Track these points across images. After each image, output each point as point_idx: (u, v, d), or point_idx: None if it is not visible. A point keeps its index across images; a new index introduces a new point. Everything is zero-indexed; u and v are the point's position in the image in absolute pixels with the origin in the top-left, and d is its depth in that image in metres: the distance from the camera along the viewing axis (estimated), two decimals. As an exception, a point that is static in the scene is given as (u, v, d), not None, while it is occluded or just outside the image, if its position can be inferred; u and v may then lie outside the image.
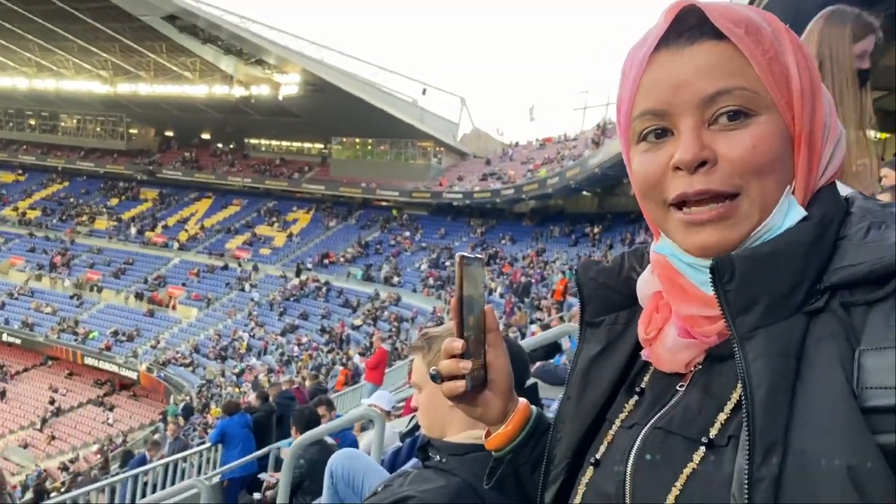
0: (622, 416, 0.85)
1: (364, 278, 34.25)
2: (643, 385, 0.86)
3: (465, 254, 0.95)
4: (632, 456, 0.79)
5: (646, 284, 0.87)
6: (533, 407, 1.05)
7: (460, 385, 0.94)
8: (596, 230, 30.90)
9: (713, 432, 0.72)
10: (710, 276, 0.73)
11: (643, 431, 0.80)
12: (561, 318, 12.05)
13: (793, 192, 0.76)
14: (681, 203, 0.76)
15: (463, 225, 36.92)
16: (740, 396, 0.70)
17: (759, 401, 0.66)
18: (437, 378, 0.94)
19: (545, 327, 10.77)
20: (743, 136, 0.74)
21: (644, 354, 0.86)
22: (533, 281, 25.77)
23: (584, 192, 34.07)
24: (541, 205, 35.77)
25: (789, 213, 0.75)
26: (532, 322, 14.23)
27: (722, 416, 0.73)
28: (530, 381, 2.74)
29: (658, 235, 0.84)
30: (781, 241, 0.73)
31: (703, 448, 0.72)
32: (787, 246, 0.72)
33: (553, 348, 7.88)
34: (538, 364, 7.03)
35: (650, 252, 0.87)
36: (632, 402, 0.85)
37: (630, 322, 0.90)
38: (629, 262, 0.93)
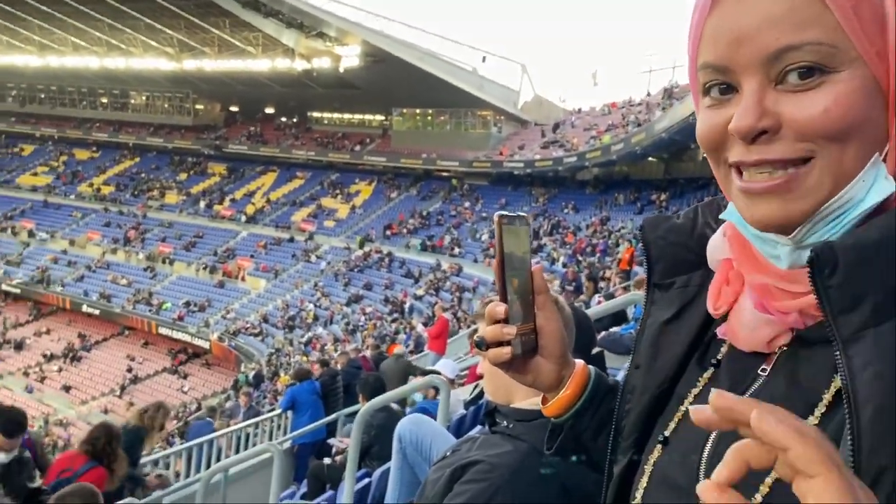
0: (695, 391, 0.76)
1: (424, 249, 34.47)
2: (719, 357, 0.76)
3: (505, 212, 0.89)
4: (706, 450, 0.70)
5: (716, 249, 0.78)
6: (591, 368, 0.99)
7: (506, 351, 0.88)
8: (663, 197, 30.20)
9: None
10: (807, 269, 0.62)
11: None
12: (626, 288, 11.85)
13: (884, 160, 0.64)
14: (739, 170, 0.68)
15: (524, 194, 36.61)
16: (834, 396, 0.63)
17: (866, 420, 0.56)
18: (482, 345, 0.89)
19: (609, 297, 10.62)
20: (815, 99, 0.63)
21: (720, 332, 0.77)
22: (597, 251, 25.42)
23: (650, 158, 33.25)
24: (604, 172, 35.07)
25: (875, 186, 0.63)
26: (597, 291, 14.05)
27: (812, 420, 0.63)
28: (596, 349, 2.70)
29: (729, 197, 0.74)
30: (888, 227, 0.61)
31: None
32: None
33: (618, 318, 7.78)
34: (603, 333, 6.95)
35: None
36: (706, 375, 0.76)
37: (704, 284, 0.80)
38: (703, 217, 0.83)
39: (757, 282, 0.70)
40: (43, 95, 53.13)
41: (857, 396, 0.57)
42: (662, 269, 0.85)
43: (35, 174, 49.27)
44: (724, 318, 0.76)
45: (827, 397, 0.63)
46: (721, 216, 0.76)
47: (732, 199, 0.71)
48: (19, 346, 36.82)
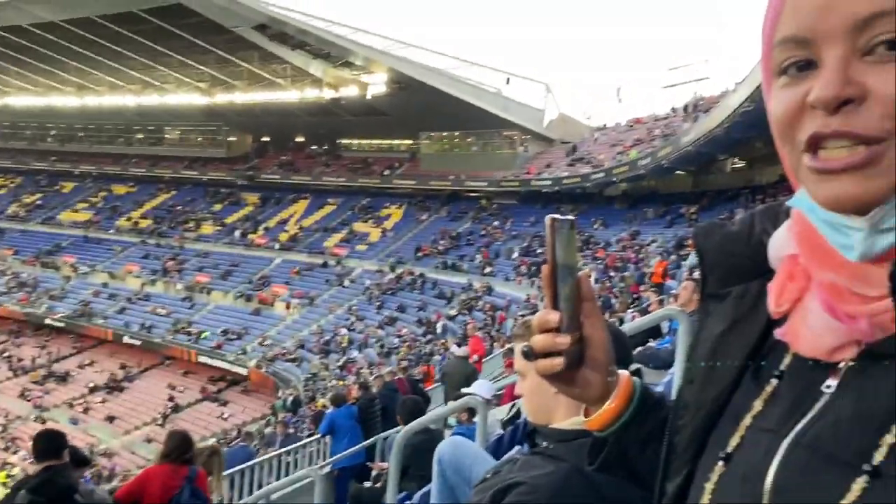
0: (754, 409, 0.71)
1: (455, 269, 34.54)
2: (781, 369, 0.71)
3: (556, 216, 0.85)
4: (770, 474, 0.64)
5: (779, 245, 0.73)
6: (636, 380, 0.95)
7: (557, 362, 0.83)
8: (692, 210, 29.91)
9: (878, 457, 0.57)
10: (888, 280, 0.58)
11: (784, 445, 0.65)
12: (660, 302, 11.80)
13: None
14: (816, 147, 0.62)
15: (552, 211, 33.71)
16: None
17: None
18: (531, 355, 0.84)
19: (643, 312, 10.59)
20: None
21: (778, 333, 0.71)
22: (630, 264, 25.27)
23: (678, 172, 33.01)
24: (632, 187, 34.91)
25: None
26: (628, 307, 13.98)
27: (889, 439, 0.57)
28: (633, 366, 2.75)
29: (797, 188, 0.70)
30: None
31: (865, 477, 0.57)
32: None
33: (652, 333, 7.77)
34: (639, 348, 6.95)
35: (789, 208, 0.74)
36: (767, 391, 0.71)
37: (762, 294, 0.74)
38: (760, 225, 0.78)
39: (826, 280, 0.65)
40: (81, 134, 54.43)
41: None
42: (718, 278, 0.81)
43: (76, 210, 50.40)
44: (783, 320, 0.71)
45: None
46: (788, 202, 0.71)
47: (803, 182, 0.66)
48: (63, 379, 37.53)
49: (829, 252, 0.65)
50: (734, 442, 0.71)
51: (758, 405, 0.71)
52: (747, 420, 0.71)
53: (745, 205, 25.00)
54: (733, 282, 0.79)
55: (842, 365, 0.65)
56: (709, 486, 0.71)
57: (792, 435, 0.65)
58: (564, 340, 0.83)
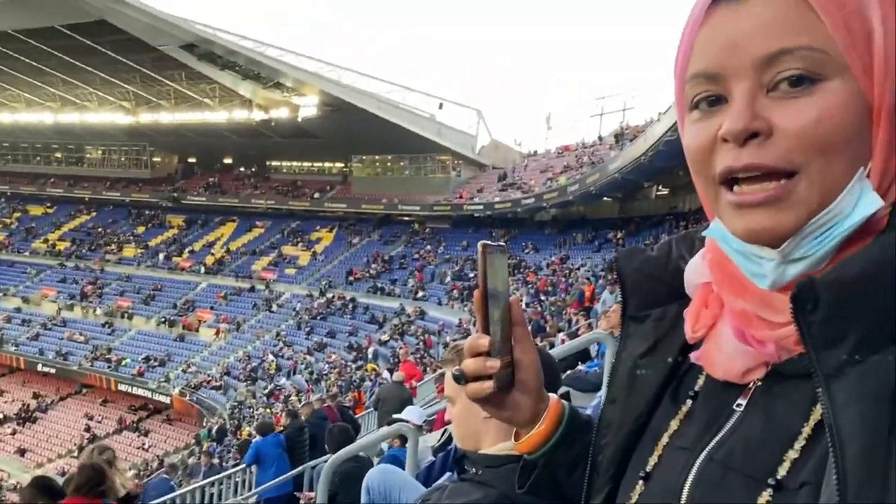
0: (671, 429, 0.75)
1: (388, 293, 34.40)
2: (696, 389, 0.75)
3: (488, 242, 0.85)
4: (685, 491, 0.69)
5: (694, 272, 0.77)
6: (565, 403, 0.96)
7: (487, 385, 0.83)
8: (619, 235, 30.75)
9: (781, 472, 0.62)
10: (790, 305, 0.61)
11: (698, 462, 0.69)
12: (589, 326, 11.99)
13: (867, 176, 0.63)
14: (731, 181, 0.66)
15: (485, 236, 36.92)
16: (813, 430, 0.62)
17: (851, 459, 0.55)
18: (462, 379, 0.84)
19: (572, 335, 10.72)
20: (806, 106, 0.62)
21: (694, 357, 0.75)
22: (560, 289, 25.68)
23: (605, 198, 33.93)
24: (562, 212, 35.67)
25: (861, 201, 0.62)
26: (560, 330, 14.16)
27: (792, 454, 0.62)
28: (562, 389, 2.76)
29: (712, 217, 0.73)
30: (870, 262, 0.60)
31: (769, 491, 0.62)
32: (876, 267, 0.59)
33: (582, 356, 7.86)
34: (568, 372, 7.01)
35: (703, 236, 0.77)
36: (683, 411, 0.75)
37: (678, 317, 0.79)
38: (678, 251, 0.82)
39: (737, 307, 0.69)
40: (-6, 152, 52.31)
41: (840, 432, 0.56)
42: (637, 301, 0.84)
43: (-14, 232, 48.18)
44: (699, 344, 0.75)
45: (807, 430, 0.62)
46: (704, 233, 0.74)
47: (720, 214, 0.69)
48: (-31, 410, 35.48)
49: (740, 280, 0.69)
50: (653, 461, 0.74)
51: (674, 425, 0.75)
52: (664, 439, 0.75)
53: (669, 230, 25.86)
54: (652, 305, 0.83)
55: (751, 385, 0.69)
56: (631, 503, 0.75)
57: (705, 452, 0.69)
58: (495, 364, 0.83)
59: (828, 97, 0.62)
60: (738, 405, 0.70)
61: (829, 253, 0.64)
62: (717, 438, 0.69)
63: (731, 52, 0.65)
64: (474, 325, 26.36)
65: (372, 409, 15.56)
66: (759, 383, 0.69)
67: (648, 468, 0.75)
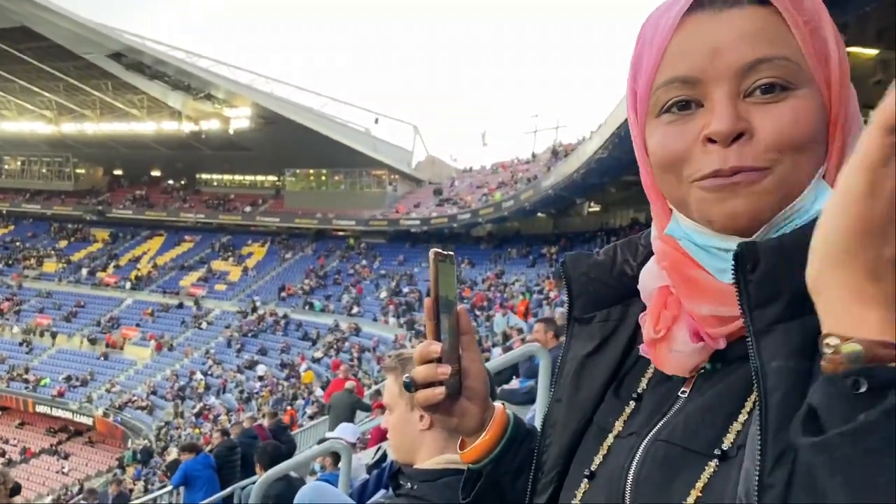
0: (618, 424, 0.78)
1: (321, 309, 33.97)
2: (642, 388, 0.78)
3: (439, 250, 0.87)
4: (631, 471, 0.72)
5: (651, 277, 0.79)
6: (509, 412, 0.97)
7: (439, 391, 0.85)
8: (553, 250, 31.25)
9: (726, 444, 0.66)
10: (732, 263, 0.65)
11: (643, 443, 0.73)
12: (523, 340, 12.09)
13: (823, 177, 0.70)
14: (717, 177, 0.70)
15: (421, 251, 36.93)
16: (753, 404, 0.65)
17: (773, 404, 0.59)
18: (412, 386, 0.86)
19: (507, 349, 10.79)
20: (783, 110, 0.68)
21: (643, 350, 0.79)
22: (495, 305, 25.86)
23: (539, 214, 34.48)
24: (497, 228, 36.03)
25: (819, 198, 0.68)
26: (494, 345, 14.24)
27: (736, 426, 0.66)
28: (496, 403, 2.76)
29: (664, 220, 0.77)
30: (808, 232, 0.62)
31: (715, 461, 0.66)
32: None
33: (517, 371, 7.91)
34: (503, 387, 7.04)
35: (653, 242, 0.80)
36: (629, 408, 0.78)
37: (622, 319, 0.84)
38: (622, 255, 0.86)
39: (697, 312, 0.72)
40: None
41: (766, 382, 0.60)
42: (583, 303, 0.87)
43: None
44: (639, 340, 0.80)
45: (748, 404, 0.66)
46: (666, 232, 0.76)
47: (689, 209, 0.72)
48: None
49: (697, 282, 0.72)
50: (598, 460, 0.77)
51: (619, 425, 0.78)
52: (609, 439, 0.77)
53: (600, 246, 26.25)
54: (597, 307, 0.86)
55: (695, 373, 0.74)
56: (575, 503, 0.77)
57: (651, 433, 0.73)
58: (446, 371, 0.85)
59: (799, 103, 0.68)
60: (683, 392, 0.74)
61: None
62: (662, 422, 0.73)
63: (713, 58, 0.69)
64: (409, 340, 26.29)
65: (303, 428, 15.32)
66: (702, 370, 0.73)
67: (594, 466, 0.77)
